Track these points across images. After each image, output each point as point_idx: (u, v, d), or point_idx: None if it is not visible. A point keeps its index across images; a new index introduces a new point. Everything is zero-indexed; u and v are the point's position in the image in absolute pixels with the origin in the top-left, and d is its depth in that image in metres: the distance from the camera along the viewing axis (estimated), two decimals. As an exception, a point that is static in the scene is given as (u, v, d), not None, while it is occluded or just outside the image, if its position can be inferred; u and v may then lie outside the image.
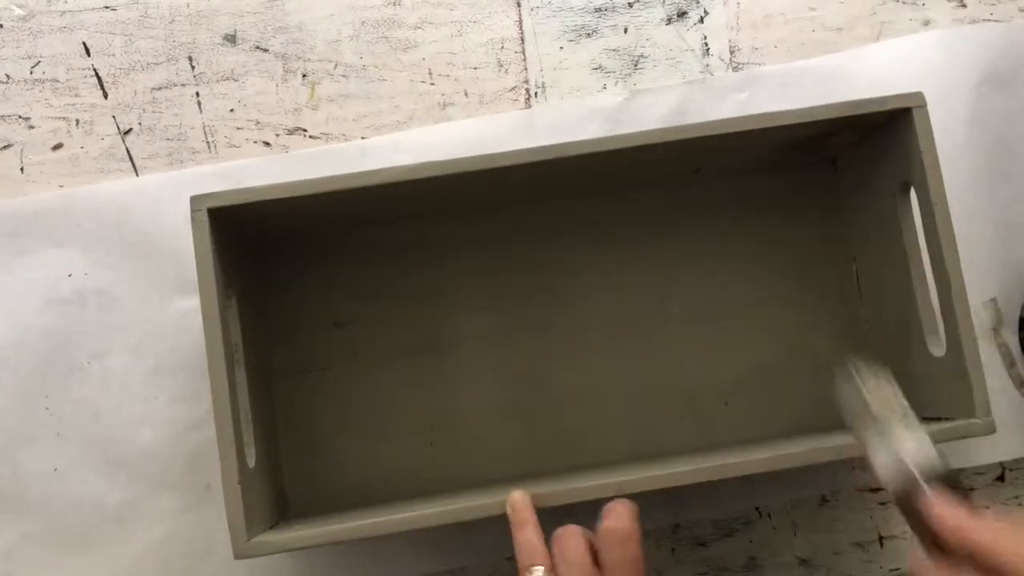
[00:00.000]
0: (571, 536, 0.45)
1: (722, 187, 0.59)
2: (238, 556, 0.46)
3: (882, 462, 0.39)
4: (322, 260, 0.58)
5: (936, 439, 0.47)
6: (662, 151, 0.51)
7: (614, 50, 0.61)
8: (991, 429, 0.48)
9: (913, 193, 0.51)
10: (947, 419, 0.50)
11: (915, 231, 0.52)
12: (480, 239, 0.59)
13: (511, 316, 0.58)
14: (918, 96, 0.50)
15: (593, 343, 0.58)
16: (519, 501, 0.47)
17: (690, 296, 0.59)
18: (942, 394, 0.51)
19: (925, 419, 0.52)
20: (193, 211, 0.48)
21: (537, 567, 0.44)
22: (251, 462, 0.49)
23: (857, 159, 0.57)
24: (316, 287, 0.58)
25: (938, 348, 0.51)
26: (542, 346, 0.58)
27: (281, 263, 0.58)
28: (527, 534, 0.46)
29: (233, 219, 0.50)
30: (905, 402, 0.41)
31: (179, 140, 0.59)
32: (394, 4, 0.61)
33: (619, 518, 0.45)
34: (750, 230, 0.59)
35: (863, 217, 0.57)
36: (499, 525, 0.47)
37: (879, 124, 0.52)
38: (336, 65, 0.60)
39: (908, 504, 0.38)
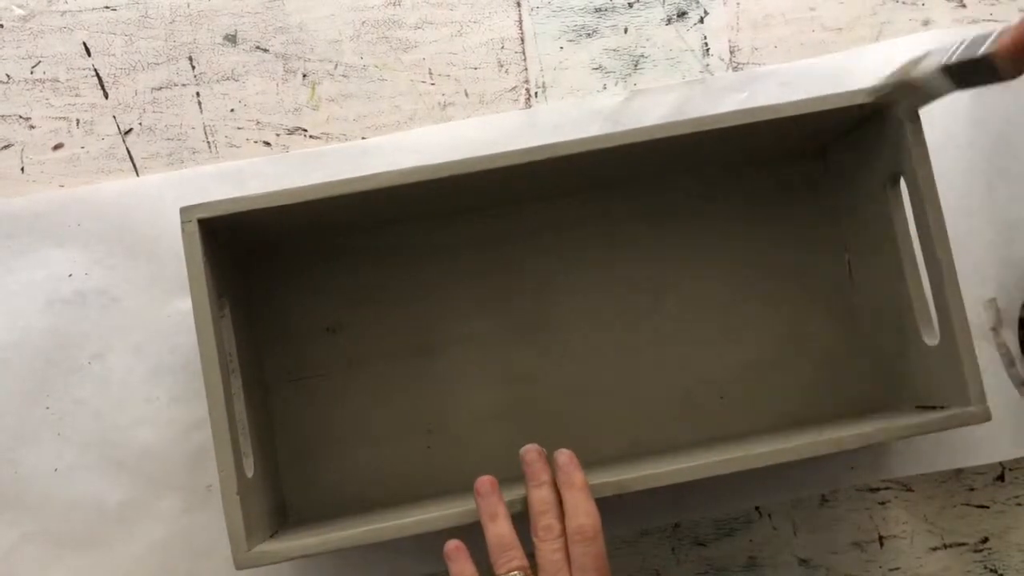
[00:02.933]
0: (554, 540, 0.45)
1: (713, 181, 0.59)
2: (239, 567, 0.46)
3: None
4: (312, 265, 0.58)
5: (933, 428, 0.48)
6: (653, 148, 0.51)
7: (614, 50, 0.61)
8: (986, 416, 0.48)
9: (904, 184, 0.52)
10: (942, 407, 0.50)
11: (906, 222, 0.52)
12: (471, 240, 0.59)
13: (505, 316, 0.58)
14: None
15: (588, 341, 0.58)
16: (487, 488, 0.47)
17: (683, 291, 0.59)
18: (937, 383, 0.51)
19: (921, 408, 0.52)
20: (183, 222, 0.48)
21: (514, 572, 0.45)
22: (249, 472, 0.49)
23: (847, 151, 0.57)
24: (307, 293, 0.58)
25: (932, 337, 0.51)
26: (537, 345, 0.58)
27: (271, 269, 0.58)
28: (499, 527, 0.46)
29: (224, 228, 0.50)
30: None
31: (179, 140, 0.59)
32: (394, 4, 0.61)
33: (586, 515, 0.45)
34: (742, 223, 0.59)
35: (855, 209, 0.57)
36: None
37: (868, 116, 0.52)
38: (336, 65, 0.60)
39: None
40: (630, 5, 0.61)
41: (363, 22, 0.60)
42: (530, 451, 0.48)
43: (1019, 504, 0.60)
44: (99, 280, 0.58)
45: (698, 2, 0.61)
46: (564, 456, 0.47)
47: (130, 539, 0.56)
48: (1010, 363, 0.59)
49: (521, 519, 0.47)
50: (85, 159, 0.59)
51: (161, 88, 0.60)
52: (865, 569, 0.59)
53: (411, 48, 0.61)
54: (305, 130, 0.60)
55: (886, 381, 0.57)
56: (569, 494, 0.46)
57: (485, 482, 0.47)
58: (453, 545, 0.46)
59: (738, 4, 0.62)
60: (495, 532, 0.45)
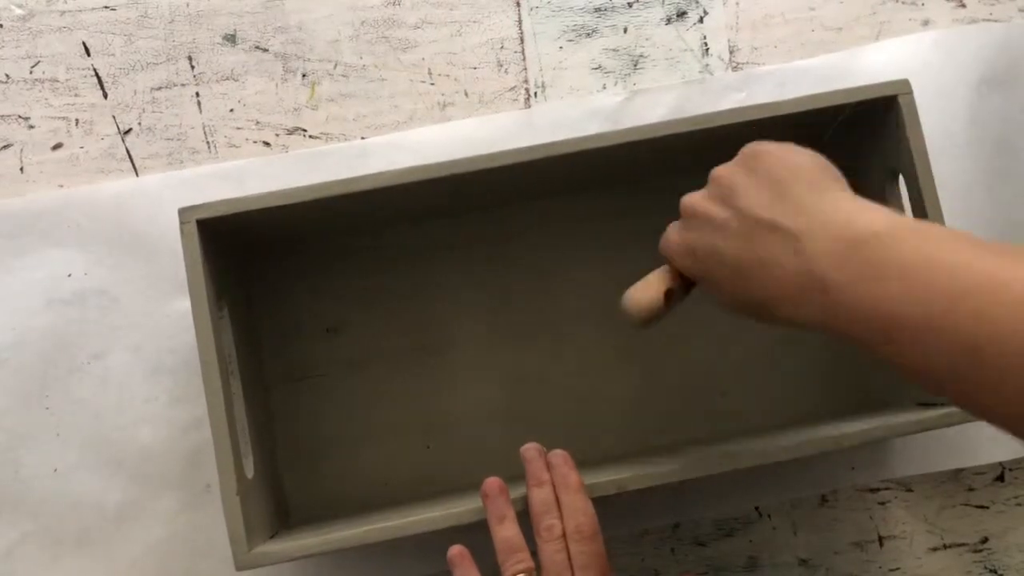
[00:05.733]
0: (556, 540, 0.45)
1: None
2: (240, 567, 0.46)
3: None
4: (313, 266, 0.58)
5: (933, 425, 0.48)
6: (651, 147, 0.51)
7: (614, 50, 0.61)
8: None
9: (903, 182, 0.51)
10: (943, 404, 0.50)
11: None
12: (471, 240, 0.59)
13: (505, 316, 0.58)
14: (904, 84, 0.50)
15: (588, 341, 0.58)
16: (495, 490, 0.46)
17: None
18: None
19: (921, 405, 0.52)
20: (182, 223, 0.48)
21: (520, 574, 0.44)
22: (249, 472, 0.49)
23: (845, 149, 0.57)
24: (307, 293, 0.58)
25: None
26: (537, 346, 0.58)
27: (271, 270, 0.58)
28: (507, 530, 0.45)
29: (223, 229, 0.50)
30: None
31: (179, 140, 0.59)
32: (394, 4, 0.61)
33: (583, 515, 0.45)
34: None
35: None
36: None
37: (866, 113, 0.52)
38: (336, 65, 0.60)
39: None
40: (629, 5, 0.61)
41: (362, 22, 0.60)
42: (530, 449, 0.48)
43: (1019, 504, 0.60)
44: (99, 280, 0.58)
45: (698, 2, 0.61)
46: (558, 457, 0.47)
47: (130, 539, 0.56)
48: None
49: (521, 518, 0.47)
50: (84, 159, 0.59)
51: (160, 88, 0.60)
52: (865, 569, 0.59)
53: (410, 48, 0.61)
54: (304, 130, 0.60)
55: (886, 379, 0.57)
56: (565, 495, 0.46)
57: (493, 484, 0.46)
58: (457, 551, 0.46)
59: (738, 4, 0.62)
60: (503, 535, 0.45)
